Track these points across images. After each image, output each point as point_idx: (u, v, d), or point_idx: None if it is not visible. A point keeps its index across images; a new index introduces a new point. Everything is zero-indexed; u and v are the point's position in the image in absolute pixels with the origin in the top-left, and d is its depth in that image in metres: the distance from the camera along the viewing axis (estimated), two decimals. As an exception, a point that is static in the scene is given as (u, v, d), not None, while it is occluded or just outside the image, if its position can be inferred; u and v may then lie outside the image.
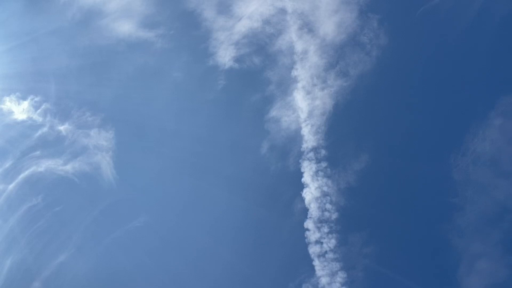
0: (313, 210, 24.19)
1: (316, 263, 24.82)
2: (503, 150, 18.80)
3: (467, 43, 21.22)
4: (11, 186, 19.58)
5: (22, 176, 19.86)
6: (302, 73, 21.94)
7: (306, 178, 23.56)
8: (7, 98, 21.76)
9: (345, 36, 21.69)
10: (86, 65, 24.10)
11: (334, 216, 23.57)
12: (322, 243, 24.39)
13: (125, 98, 24.34)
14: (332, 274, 23.61)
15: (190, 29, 24.75)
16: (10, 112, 21.38)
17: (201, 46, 24.46)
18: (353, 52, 21.70)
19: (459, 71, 21.27)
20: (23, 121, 21.60)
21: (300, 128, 21.34)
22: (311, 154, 20.93)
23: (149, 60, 24.90)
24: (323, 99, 21.63)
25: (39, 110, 21.57)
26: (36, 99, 22.03)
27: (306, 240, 24.65)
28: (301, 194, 24.19)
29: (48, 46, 23.95)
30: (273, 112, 22.21)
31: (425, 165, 20.49)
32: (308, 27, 22.12)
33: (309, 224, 24.93)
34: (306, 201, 24.60)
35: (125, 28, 24.55)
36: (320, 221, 24.12)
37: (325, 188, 23.15)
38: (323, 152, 21.00)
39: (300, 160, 21.64)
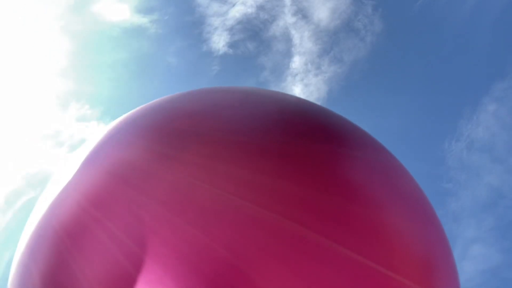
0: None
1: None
2: (497, 136, 18.73)
3: (463, 29, 21.01)
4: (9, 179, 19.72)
5: (19, 168, 19.99)
6: (296, 59, 21.77)
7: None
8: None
9: (339, 22, 21.38)
10: (82, 53, 23.91)
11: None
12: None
13: (121, 87, 24.20)
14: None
15: (184, 15, 24.37)
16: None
17: (195, 31, 24.15)
18: (347, 38, 21.46)
19: (453, 57, 21.10)
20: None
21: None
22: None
23: (143, 46, 24.72)
24: (317, 85, 21.49)
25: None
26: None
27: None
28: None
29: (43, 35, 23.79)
30: (268, 98, 22.14)
31: (419, 150, 20.53)
32: (302, 13, 21.84)
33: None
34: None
35: (119, 13, 24.30)
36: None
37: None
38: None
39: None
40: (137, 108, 3.40)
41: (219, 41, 23.33)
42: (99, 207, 2.58)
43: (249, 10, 22.94)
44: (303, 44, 21.70)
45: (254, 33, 23.38)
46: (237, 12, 22.89)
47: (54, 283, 2.53)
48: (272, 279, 2.25)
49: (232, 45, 23.48)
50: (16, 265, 2.96)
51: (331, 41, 21.66)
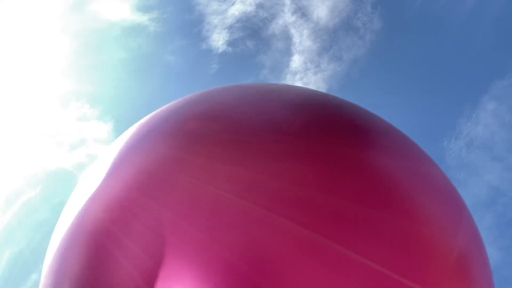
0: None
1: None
2: (496, 134, 18.72)
3: (462, 28, 20.99)
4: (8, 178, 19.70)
5: (19, 168, 19.97)
6: (296, 58, 21.76)
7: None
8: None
9: (339, 20, 21.36)
10: (82, 52, 23.86)
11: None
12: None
13: (121, 85, 24.11)
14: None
15: (183, 13, 24.32)
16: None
17: (195, 30, 24.10)
18: (347, 36, 21.44)
19: (453, 55, 21.08)
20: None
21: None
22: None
23: (142, 44, 24.68)
24: (317, 84, 21.44)
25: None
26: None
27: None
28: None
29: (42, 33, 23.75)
30: (267, 97, 22.09)
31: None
32: (301, 11, 21.82)
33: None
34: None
35: (119, 11, 24.26)
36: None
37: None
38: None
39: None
40: (154, 113, 3.39)
41: (219, 40, 23.31)
42: (120, 218, 2.60)
43: (248, 9, 22.92)
44: (303, 42, 21.70)
45: (254, 32, 23.37)
46: (236, 10, 22.87)
47: (97, 272, 2.51)
48: (290, 279, 2.21)
49: (231, 43, 23.47)
50: (51, 260, 2.92)
51: (331, 39, 21.65)
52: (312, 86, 23.14)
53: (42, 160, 20.24)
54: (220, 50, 23.76)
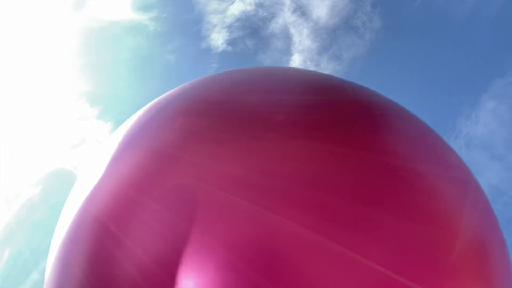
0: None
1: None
2: (496, 133, 18.71)
3: (462, 27, 20.96)
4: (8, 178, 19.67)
5: (19, 168, 19.94)
6: (295, 57, 21.73)
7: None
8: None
9: (338, 20, 21.33)
10: (81, 51, 23.84)
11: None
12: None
13: (121, 85, 24.09)
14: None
15: (183, 12, 24.27)
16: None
17: (194, 29, 24.05)
18: (346, 36, 21.41)
19: (452, 54, 21.05)
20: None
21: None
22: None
23: (142, 43, 24.66)
24: (317, 83, 21.46)
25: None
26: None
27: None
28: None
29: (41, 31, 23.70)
30: (267, 96, 22.02)
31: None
32: (301, 10, 21.80)
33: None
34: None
35: (119, 10, 24.22)
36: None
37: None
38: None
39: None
40: (145, 107, 3.37)
41: (218, 39, 23.28)
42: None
43: (248, 8, 22.89)
44: (302, 41, 21.66)
45: (253, 31, 23.32)
46: (236, 9, 22.84)
47: (96, 272, 2.52)
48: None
49: (231, 42, 23.43)
50: (54, 259, 2.92)
51: (330, 38, 21.60)
52: (311, 85, 23.05)
53: (42, 160, 20.20)
54: (219, 49, 23.73)
